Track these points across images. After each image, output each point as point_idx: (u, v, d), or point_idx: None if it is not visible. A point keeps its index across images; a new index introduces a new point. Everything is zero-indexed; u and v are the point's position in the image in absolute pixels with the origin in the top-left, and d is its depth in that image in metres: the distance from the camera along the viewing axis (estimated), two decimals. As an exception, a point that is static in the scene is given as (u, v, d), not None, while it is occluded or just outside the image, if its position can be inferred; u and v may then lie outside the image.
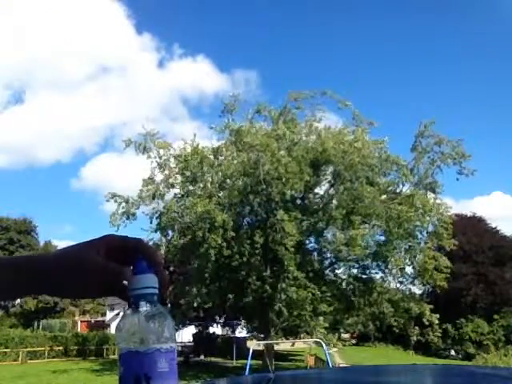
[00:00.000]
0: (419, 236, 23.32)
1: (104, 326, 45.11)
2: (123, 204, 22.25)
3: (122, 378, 0.59)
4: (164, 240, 22.53)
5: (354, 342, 42.24)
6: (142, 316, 0.60)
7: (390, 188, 23.38)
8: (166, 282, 0.64)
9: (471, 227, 39.20)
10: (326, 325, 21.01)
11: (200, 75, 77.38)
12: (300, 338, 25.22)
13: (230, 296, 21.57)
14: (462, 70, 72.71)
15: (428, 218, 22.33)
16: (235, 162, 22.08)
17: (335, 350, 23.40)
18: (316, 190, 23.38)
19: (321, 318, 20.77)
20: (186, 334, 34.65)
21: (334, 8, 75.86)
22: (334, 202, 22.28)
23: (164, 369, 0.59)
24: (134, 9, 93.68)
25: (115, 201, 22.26)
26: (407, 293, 24.35)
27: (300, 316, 20.73)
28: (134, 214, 22.13)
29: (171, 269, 24.30)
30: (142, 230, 22.24)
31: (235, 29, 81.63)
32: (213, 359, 31.75)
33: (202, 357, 32.28)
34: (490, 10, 74.26)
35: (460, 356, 37.68)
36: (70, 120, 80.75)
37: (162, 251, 21.58)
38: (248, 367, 12.40)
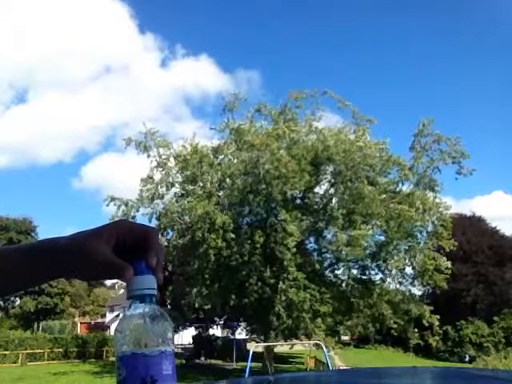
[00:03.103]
0: (419, 236, 23.34)
1: (104, 327, 45.07)
2: (122, 207, 22.28)
3: (126, 380, 0.58)
4: (164, 240, 22.54)
5: (353, 345, 42.29)
6: (147, 318, 0.59)
7: (389, 187, 23.36)
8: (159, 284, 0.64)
9: (471, 227, 39.15)
10: (324, 327, 20.97)
11: (203, 75, 77.56)
12: (300, 341, 25.20)
13: (230, 297, 21.54)
14: (462, 70, 72.79)
15: (428, 217, 22.29)
16: (235, 161, 22.09)
17: (333, 352, 23.38)
18: (316, 190, 23.38)
19: (319, 320, 20.73)
20: (186, 336, 34.61)
21: (334, 8, 76.05)
22: (334, 201, 22.27)
23: (168, 371, 0.58)
24: (137, 9, 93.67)
25: (114, 204, 22.30)
26: (407, 294, 24.31)
27: (299, 318, 20.70)
28: (133, 218, 22.14)
29: (169, 269, 24.27)
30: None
31: (238, 29, 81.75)
32: (213, 361, 31.71)
33: (201, 359, 32.23)
34: (490, 9, 74.33)
35: (467, 359, 37.28)
36: (72, 119, 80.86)
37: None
38: (248, 369, 12.37)
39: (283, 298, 20.21)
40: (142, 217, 22.46)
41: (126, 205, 22.35)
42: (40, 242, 0.69)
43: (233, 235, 20.37)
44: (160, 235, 22.45)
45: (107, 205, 22.45)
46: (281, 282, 20.43)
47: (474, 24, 73.72)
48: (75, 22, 76.32)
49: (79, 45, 75.97)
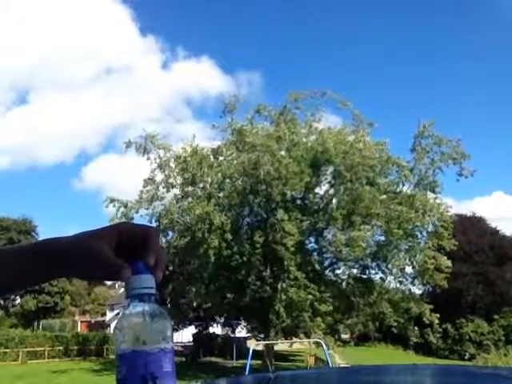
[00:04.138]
0: (419, 236, 23.37)
1: (104, 326, 45.13)
2: (122, 208, 22.28)
3: (126, 378, 0.58)
4: (164, 241, 22.54)
5: (353, 343, 42.33)
6: (146, 316, 0.60)
7: (389, 188, 23.38)
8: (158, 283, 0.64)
9: (471, 227, 39.17)
10: (324, 326, 21.01)
11: (204, 76, 77.24)
12: (300, 339, 25.24)
13: (230, 296, 21.58)
14: (462, 70, 72.68)
15: (428, 218, 22.34)
16: (235, 162, 22.10)
17: (333, 350, 23.41)
18: (316, 190, 23.41)
19: (319, 319, 20.76)
20: (186, 334, 34.65)
21: (335, 9, 75.86)
22: (334, 202, 22.30)
23: (168, 368, 0.59)
24: (138, 11, 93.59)
25: (114, 205, 22.30)
26: (407, 293, 24.35)
27: (298, 317, 20.73)
28: (131, 219, 22.12)
29: (170, 268, 24.30)
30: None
31: (239, 30, 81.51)
32: (213, 359, 31.76)
33: (201, 357, 32.27)
34: (490, 9, 74.27)
35: (467, 357, 37.16)
36: (73, 120, 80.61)
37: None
38: (248, 367, 12.39)
39: (283, 297, 20.25)
40: (141, 218, 22.50)
41: (126, 206, 22.37)
42: (41, 242, 0.69)
43: (230, 236, 20.41)
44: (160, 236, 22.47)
45: (106, 206, 22.50)
46: (281, 282, 20.46)
47: (474, 24, 73.72)
48: (77, 23, 76.14)
49: (80, 46, 75.72)
